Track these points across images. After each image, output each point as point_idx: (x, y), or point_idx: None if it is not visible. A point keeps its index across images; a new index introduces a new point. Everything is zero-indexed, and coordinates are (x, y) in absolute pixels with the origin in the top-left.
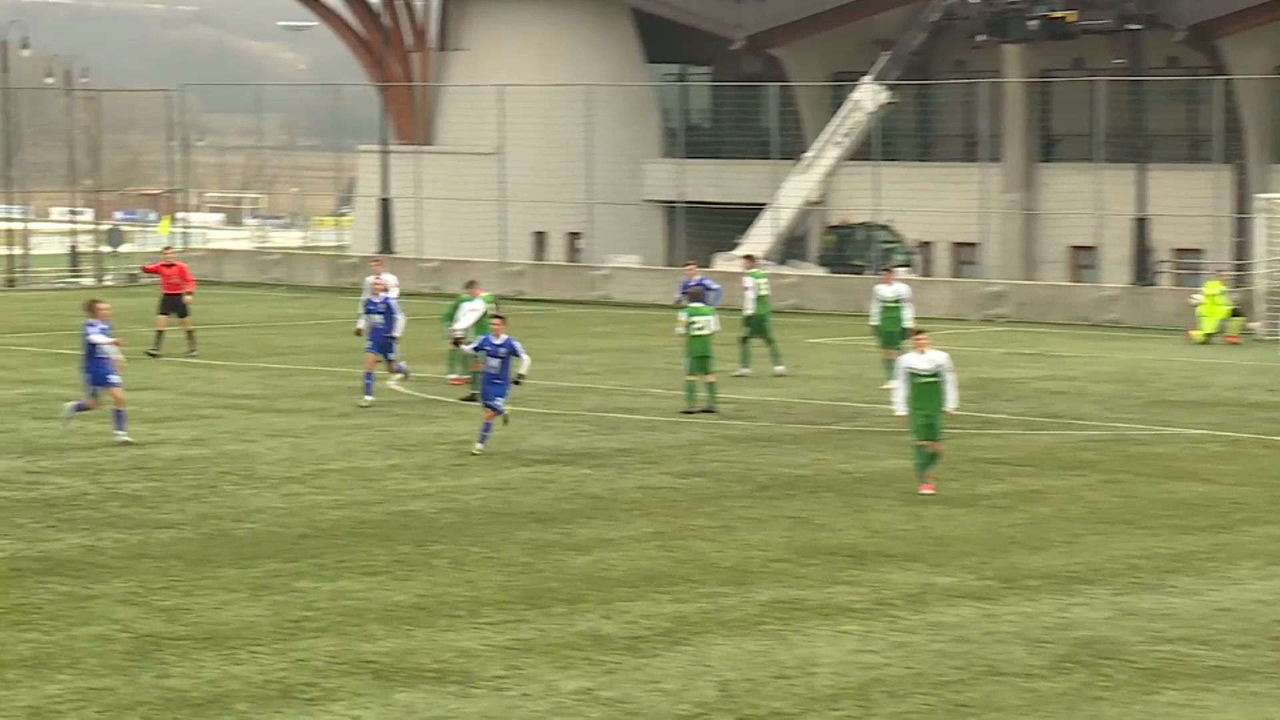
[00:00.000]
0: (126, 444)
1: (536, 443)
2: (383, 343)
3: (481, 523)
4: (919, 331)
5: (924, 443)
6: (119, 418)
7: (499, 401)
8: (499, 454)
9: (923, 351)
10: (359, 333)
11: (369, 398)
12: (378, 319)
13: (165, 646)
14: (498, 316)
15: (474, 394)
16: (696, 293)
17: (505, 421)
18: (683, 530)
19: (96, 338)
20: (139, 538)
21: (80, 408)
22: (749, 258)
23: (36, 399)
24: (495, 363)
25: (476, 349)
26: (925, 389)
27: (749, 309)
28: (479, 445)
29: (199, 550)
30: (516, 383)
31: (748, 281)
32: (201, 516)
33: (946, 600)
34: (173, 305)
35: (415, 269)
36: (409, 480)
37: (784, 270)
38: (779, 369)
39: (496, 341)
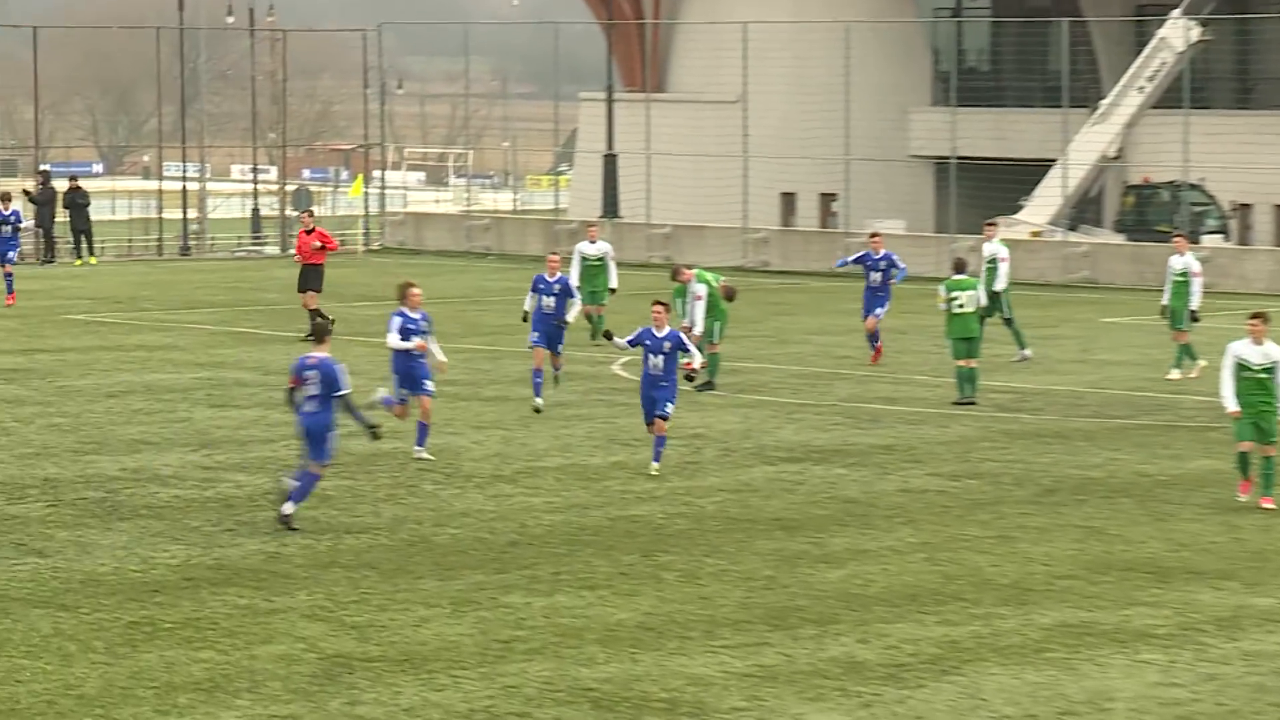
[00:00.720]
0: (424, 461)
1: (782, 437)
2: (551, 333)
3: (718, 530)
4: (1257, 315)
5: (1248, 446)
6: (422, 431)
7: (668, 408)
8: (739, 451)
9: (1260, 341)
10: (525, 318)
11: (539, 400)
12: (549, 302)
13: (356, 669)
14: (660, 304)
15: (710, 381)
16: (960, 263)
17: (657, 462)
18: (953, 541)
19: (396, 343)
20: (327, 544)
21: (390, 402)
22: (991, 224)
23: (213, 384)
24: (658, 360)
25: (632, 343)
26: (1255, 384)
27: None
28: (655, 465)
29: (395, 559)
30: (690, 380)
31: (1000, 250)
32: (398, 520)
33: (1265, 625)
34: (315, 278)
35: (643, 236)
36: (634, 480)
37: (1075, 238)
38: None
39: (659, 334)
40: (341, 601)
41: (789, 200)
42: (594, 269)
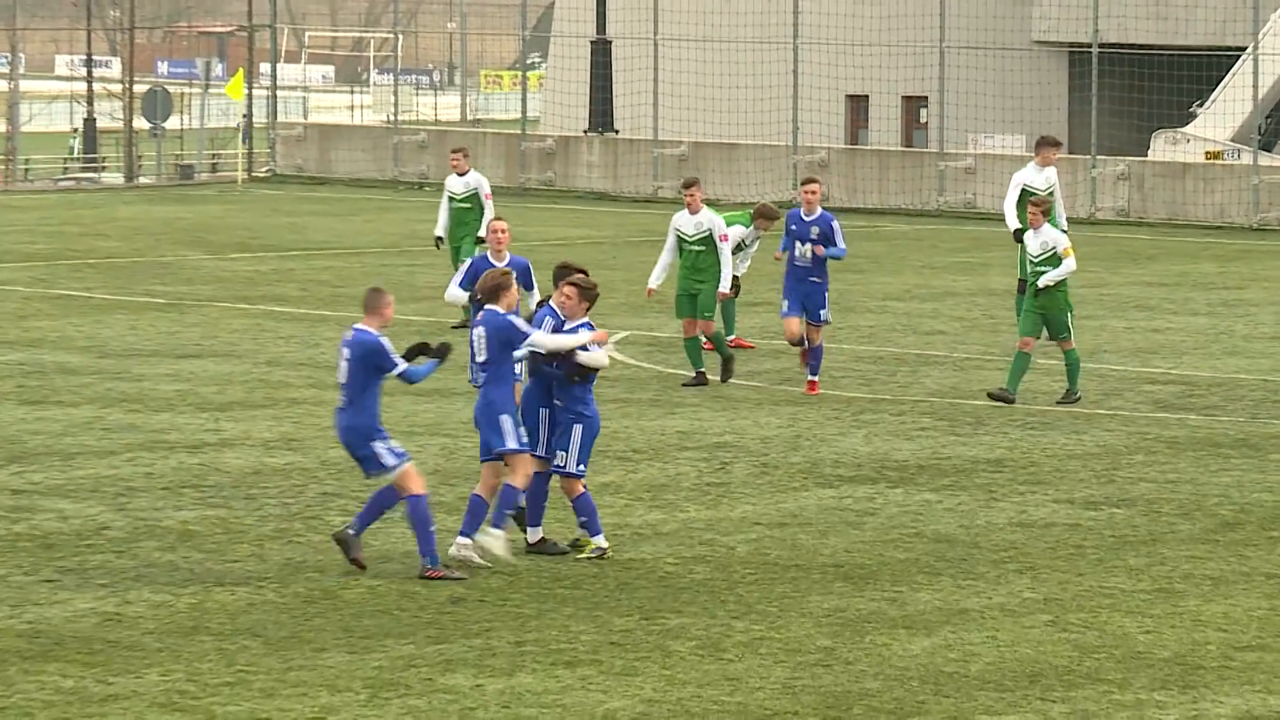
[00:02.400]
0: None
1: (845, 448)
2: None
3: (752, 581)
4: None
5: None
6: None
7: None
8: (784, 467)
9: None
10: (465, 323)
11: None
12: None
13: None
14: (571, 269)
15: (724, 359)
16: (1043, 203)
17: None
18: (1089, 596)
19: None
20: (190, 601)
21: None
22: (1051, 143)
23: (26, 372)
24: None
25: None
26: None
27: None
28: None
29: (287, 623)
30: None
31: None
32: (292, 567)
33: None
34: None
35: (647, 159)
36: (633, 508)
37: (1270, 160)
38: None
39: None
40: (209, 684)
41: (858, 107)
42: (463, 212)
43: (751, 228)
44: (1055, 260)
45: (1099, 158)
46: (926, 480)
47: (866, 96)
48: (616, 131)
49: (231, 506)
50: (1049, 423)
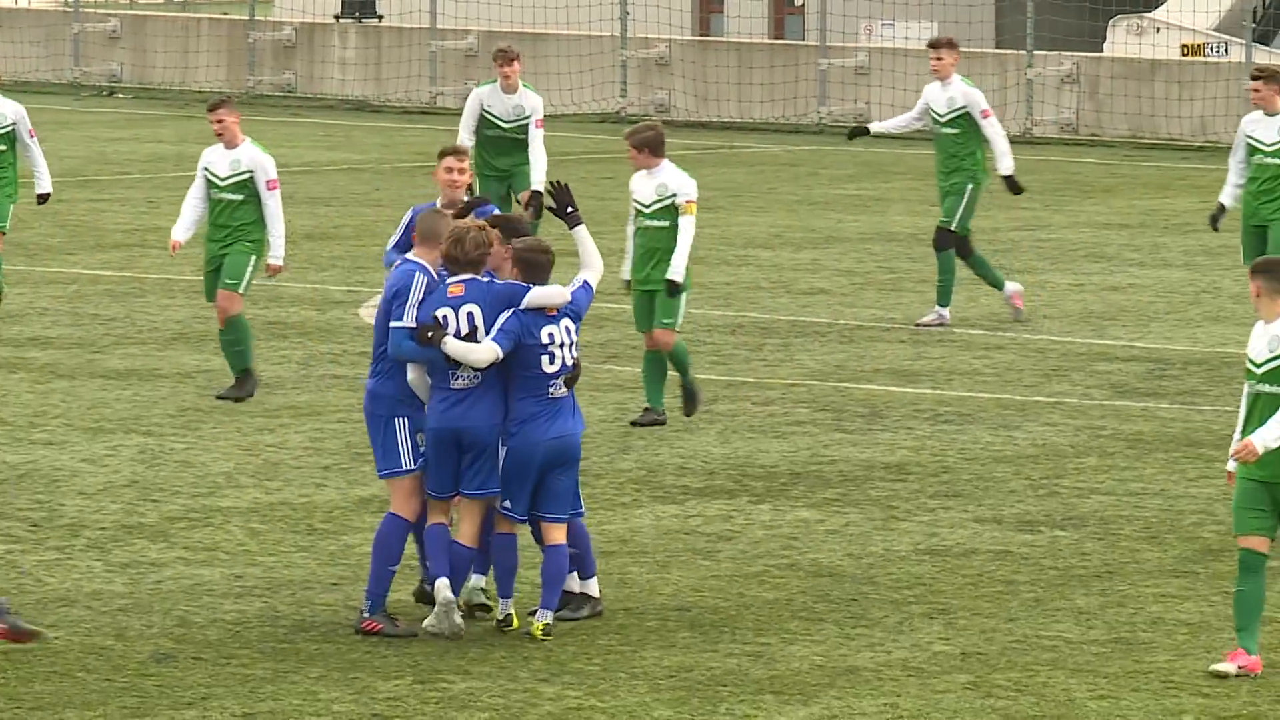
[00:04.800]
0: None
1: (692, 449)
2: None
3: (566, 630)
4: None
5: None
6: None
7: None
8: (610, 475)
9: None
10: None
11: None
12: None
13: None
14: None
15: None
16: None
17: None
18: (1023, 648)
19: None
20: None
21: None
22: (947, 45)
23: None
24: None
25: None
26: None
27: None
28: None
29: None
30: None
31: (966, 94)
32: None
33: None
34: None
35: (424, 53)
36: None
37: (1273, 55)
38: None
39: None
40: None
41: None
42: None
43: None
44: (671, 213)
45: (1037, 54)
46: (803, 493)
47: None
48: (380, 18)
49: None
50: (969, 414)
